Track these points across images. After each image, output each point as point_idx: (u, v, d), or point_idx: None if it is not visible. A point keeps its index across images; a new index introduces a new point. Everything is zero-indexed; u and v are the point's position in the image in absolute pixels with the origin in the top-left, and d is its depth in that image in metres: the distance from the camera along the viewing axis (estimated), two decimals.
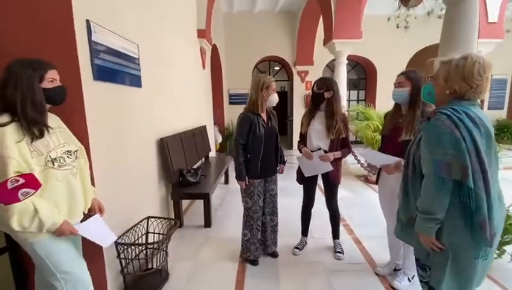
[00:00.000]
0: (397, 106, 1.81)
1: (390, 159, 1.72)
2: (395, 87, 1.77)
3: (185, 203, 3.42)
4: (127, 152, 2.07)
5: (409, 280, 1.94)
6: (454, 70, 1.10)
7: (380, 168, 1.94)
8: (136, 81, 2.20)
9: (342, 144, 2.18)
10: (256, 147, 2.08)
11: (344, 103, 5.07)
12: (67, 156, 1.24)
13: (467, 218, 1.09)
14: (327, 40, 4.90)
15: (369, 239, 2.64)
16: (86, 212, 1.39)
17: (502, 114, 8.22)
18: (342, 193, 4.01)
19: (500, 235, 1.23)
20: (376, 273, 2.11)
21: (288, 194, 3.83)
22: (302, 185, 2.42)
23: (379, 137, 3.73)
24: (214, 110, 6.04)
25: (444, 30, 2.06)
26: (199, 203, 3.27)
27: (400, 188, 1.35)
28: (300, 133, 2.34)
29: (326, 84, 2.14)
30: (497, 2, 4.90)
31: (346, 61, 4.96)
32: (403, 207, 1.32)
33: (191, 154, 3.43)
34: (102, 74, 1.75)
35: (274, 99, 2.13)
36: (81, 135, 1.52)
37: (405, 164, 1.32)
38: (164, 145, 2.68)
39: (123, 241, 1.86)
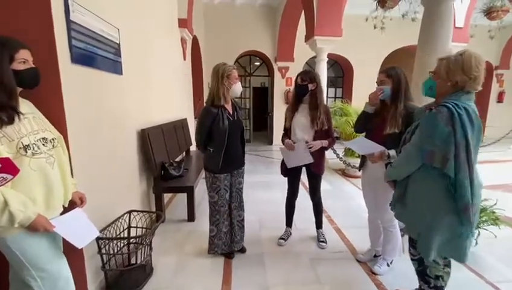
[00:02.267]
0: (381, 101, 1.88)
1: (376, 148, 1.80)
2: (378, 85, 1.84)
3: (166, 197, 3.33)
4: (107, 142, 1.96)
5: (388, 265, 2.06)
6: (454, 64, 1.23)
7: (362, 162, 2.03)
8: (117, 67, 2.08)
9: (326, 136, 2.22)
10: (220, 140, 1.97)
11: (324, 100, 5.21)
12: (43, 144, 1.14)
13: (451, 202, 1.20)
14: (309, 36, 4.98)
15: (349, 228, 2.76)
16: (66, 205, 1.29)
17: None
18: (322, 185, 4.17)
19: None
20: (357, 260, 2.22)
21: (272, 187, 3.88)
22: (286, 178, 2.45)
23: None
24: (195, 103, 5.90)
25: (422, 30, 2.19)
26: (181, 198, 3.20)
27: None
28: (285, 127, 2.35)
29: (309, 76, 2.18)
30: (464, 9, 5.29)
31: (327, 59, 5.08)
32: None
33: (172, 147, 3.33)
34: (82, 57, 1.63)
35: (237, 88, 2.00)
36: (59, 123, 1.41)
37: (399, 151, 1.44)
38: (146, 137, 2.57)
39: (104, 235, 1.77)
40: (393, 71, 1.81)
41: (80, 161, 1.57)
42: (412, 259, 1.58)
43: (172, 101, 3.90)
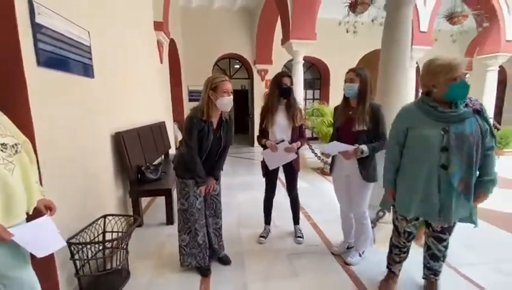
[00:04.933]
0: (346, 100, 2.00)
1: (348, 147, 1.91)
2: (347, 83, 1.93)
3: (144, 201, 3.28)
4: (79, 146, 1.93)
5: (360, 255, 2.18)
6: None
7: (333, 161, 2.14)
8: (87, 70, 2.06)
9: (299, 135, 2.32)
10: (199, 153, 1.87)
11: (301, 101, 5.36)
12: (1, 150, 1.11)
13: None
14: (285, 40, 5.13)
15: (324, 223, 2.87)
16: (31, 212, 1.25)
17: None
18: (300, 183, 4.24)
19: None
20: (332, 253, 2.32)
21: (252, 188, 3.93)
22: (264, 178, 2.50)
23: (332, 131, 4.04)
24: (174, 106, 5.85)
25: (385, 34, 2.36)
26: (160, 201, 3.17)
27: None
28: (261, 129, 2.36)
29: (291, 78, 2.28)
30: (427, 14, 5.67)
31: (303, 61, 5.24)
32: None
33: (149, 150, 3.30)
34: (49, 60, 1.61)
35: (225, 102, 1.80)
36: (26, 127, 1.38)
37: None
38: (120, 140, 2.54)
39: (77, 241, 1.73)
40: (361, 71, 1.93)
41: (49, 165, 1.54)
42: (445, 247, 1.68)
43: (149, 104, 3.86)
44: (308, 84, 8.96)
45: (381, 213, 2.40)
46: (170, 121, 5.22)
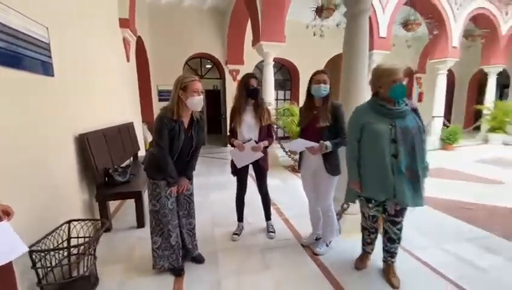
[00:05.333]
0: (311, 100, 2.13)
1: (312, 144, 2.05)
2: (321, 84, 2.03)
3: (113, 205, 3.16)
4: (38, 149, 1.82)
5: (327, 245, 2.33)
6: None
7: (301, 158, 2.26)
8: (46, 68, 1.95)
9: (267, 134, 2.41)
10: (170, 153, 1.85)
11: (272, 102, 5.49)
12: None
13: None
14: (255, 41, 5.22)
15: (295, 218, 3.00)
16: None
17: None
18: (273, 181, 4.40)
19: None
20: (302, 245, 2.44)
21: (226, 187, 3.95)
22: (235, 177, 2.56)
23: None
24: (142, 106, 5.65)
25: (345, 39, 2.54)
26: (130, 204, 3.08)
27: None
28: (231, 129, 2.41)
29: (257, 79, 2.35)
30: (386, 22, 6.13)
31: (273, 63, 5.38)
32: None
33: (117, 152, 3.18)
34: (1, 57, 1.50)
35: (194, 102, 1.80)
36: None
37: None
38: (84, 142, 2.43)
39: (39, 248, 1.64)
40: (328, 73, 2.08)
41: (4, 170, 1.45)
42: (399, 230, 1.89)
43: (116, 104, 3.71)
44: (279, 85, 9.17)
45: (345, 205, 2.58)
46: (139, 121, 5.05)
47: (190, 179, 2.06)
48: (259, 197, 2.63)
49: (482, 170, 5.09)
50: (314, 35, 5.94)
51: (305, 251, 2.37)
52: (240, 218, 2.70)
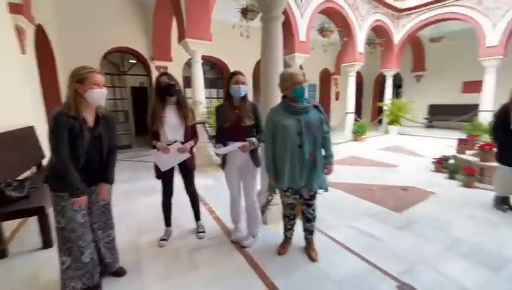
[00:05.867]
0: (231, 100, 2.22)
1: (239, 144, 2.15)
2: (239, 84, 2.14)
3: (12, 225, 2.63)
4: None
5: (253, 237, 2.47)
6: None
7: (224, 156, 2.32)
8: None
9: (192, 133, 2.39)
10: (76, 156, 1.65)
11: (203, 100, 5.43)
12: None
13: None
14: (181, 38, 5.06)
15: (227, 215, 3.05)
16: None
17: None
18: (206, 180, 4.39)
19: None
20: (231, 241, 2.53)
21: (154, 191, 3.71)
22: (160, 180, 2.46)
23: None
24: (48, 107, 4.83)
25: (262, 42, 2.71)
26: (35, 223, 2.63)
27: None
28: (153, 131, 2.26)
29: (173, 77, 2.29)
30: (304, 27, 6.73)
31: (201, 61, 5.31)
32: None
33: (12, 162, 2.67)
34: None
35: (94, 96, 1.63)
36: None
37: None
38: None
39: None
40: (244, 74, 2.20)
41: None
42: (313, 210, 2.21)
43: (9, 105, 3.09)
44: (211, 83, 9.11)
45: (270, 197, 2.78)
46: (43, 125, 4.31)
47: (111, 183, 1.89)
48: (188, 197, 2.60)
49: (382, 156, 6.16)
50: (241, 35, 6.13)
51: (234, 246, 2.46)
52: (168, 223, 2.62)
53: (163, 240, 2.51)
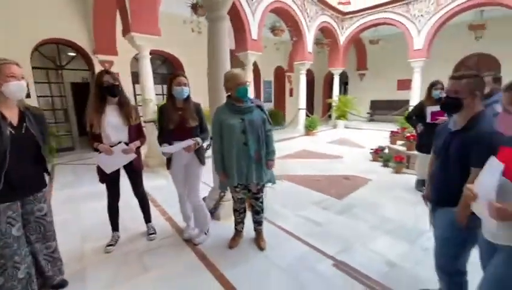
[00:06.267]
0: (174, 101, 2.21)
1: (185, 143, 2.16)
2: (182, 86, 2.15)
3: None
4: None
5: (205, 233, 2.52)
6: None
7: (170, 157, 2.31)
8: None
9: (137, 133, 2.32)
10: None
11: (153, 97, 5.20)
12: None
13: None
14: (125, 31, 4.75)
15: (178, 214, 3.03)
16: None
17: (271, 105, 11.78)
18: (157, 181, 4.27)
19: None
20: (184, 239, 2.54)
21: (101, 196, 3.47)
22: (105, 184, 2.35)
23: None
24: None
25: (208, 42, 2.73)
26: None
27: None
28: (92, 132, 2.13)
29: (116, 76, 2.19)
30: (256, 25, 6.87)
31: (150, 56, 5.07)
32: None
33: None
34: None
35: (11, 89, 1.52)
36: None
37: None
38: None
39: None
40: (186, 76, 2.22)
41: None
42: (261, 203, 2.33)
43: None
44: (163, 79, 8.73)
45: (222, 194, 2.85)
46: None
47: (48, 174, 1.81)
48: (136, 200, 2.53)
49: (330, 149, 6.68)
50: (193, 31, 6.00)
51: (187, 244, 2.48)
52: (115, 227, 2.52)
53: (110, 245, 2.41)
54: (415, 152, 4.02)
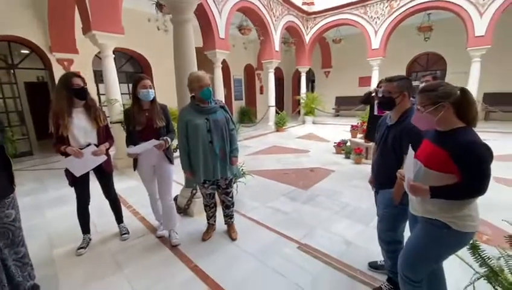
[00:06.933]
0: (139, 103, 2.26)
1: (153, 143, 2.22)
2: (148, 89, 2.21)
3: None
4: None
5: (176, 233, 2.54)
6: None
7: (136, 158, 2.36)
8: None
9: (106, 135, 2.35)
10: None
11: (119, 97, 5.07)
12: None
13: None
14: (86, 30, 4.57)
15: (151, 214, 3.05)
16: None
17: (242, 103, 11.92)
18: (128, 182, 4.22)
19: None
20: (157, 237, 2.61)
21: (67, 200, 3.39)
22: (73, 187, 2.33)
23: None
24: None
25: (174, 44, 2.80)
26: None
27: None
28: (58, 136, 2.11)
29: (82, 77, 2.19)
30: (223, 25, 6.94)
31: (113, 55, 4.93)
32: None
33: None
34: None
35: None
36: None
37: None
38: None
39: None
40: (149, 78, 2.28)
41: None
42: (231, 197, 2.51)
43: None
44: (130, 78, 8.44)
45: (194, 191, 2.96)
46: None
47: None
48: (107, 202, 2.55)
49: (298, 144, 7.03)
50: (159, 29, 5.93)
51: (161, 241, 2.56)
52: (86, 230, 2.50)
53: (81, 248, 2.41)
54: (372, 144, 4.46)
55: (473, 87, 7.50)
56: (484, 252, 1.33)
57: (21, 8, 5.85)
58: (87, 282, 2.03)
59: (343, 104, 12.35)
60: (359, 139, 5.55)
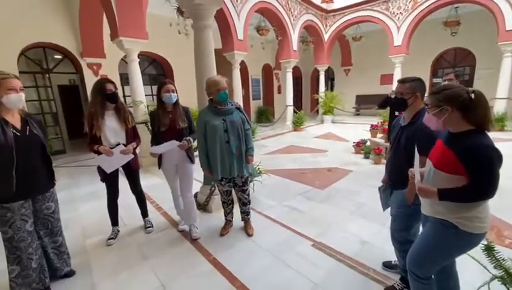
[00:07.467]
0: (163, 106, 2.43)
1: (175, 143, 2.38)
2: (171, 93, 2.38)
3: None
4: None
5: (197, 228, 2.70)
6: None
7: (160, 157, 2.52)
8: None
9: (133, 135, 2.53)
10: (3, 160, 1.66)
11: (143, 99, 5.36)
12: None
13: None
14: (114, 36, 4.88)
15: (173, 209, 3.23)
16: None
17: (260, 103, 12.01)
18: (153, 180, 4.46)
19: None
20: (178, 231, 2.78)
21: (99, 195, 3.69)
22: (105, 183, 2.55)
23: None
24: None
25: (195, 49, 2.95)
26: None
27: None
28: (92, 136, 2.31)
29: (114, 83, 2.40)
30: (241, 26, 7.07)
31: (138, 59, 5.21)
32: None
33: None
34: None
35: (11, 100, 1.69)
36: None
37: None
38: None
39: None
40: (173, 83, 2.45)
41: None
42: (248, 195, 2.64)
43: None
44: (153, 80, 8.84)
45: (213, 188, 3.10)
46: None
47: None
48: (134, 197, 2.75)
49: (316, 144, 7.00)
50: (180, 33, 6.16)
51: (182, 235, 2.72)
52: (115, 222, 2.72)
53: (111, 239, 2.63)
54: None
55: (504, 84, 7.06)
56: (499, 254, 1.32)
57: (56, 17, 6.33)
58: (117, 270, 2.22)
59: (364, 103, 12.06)
60: (379, 139, 5.44)
